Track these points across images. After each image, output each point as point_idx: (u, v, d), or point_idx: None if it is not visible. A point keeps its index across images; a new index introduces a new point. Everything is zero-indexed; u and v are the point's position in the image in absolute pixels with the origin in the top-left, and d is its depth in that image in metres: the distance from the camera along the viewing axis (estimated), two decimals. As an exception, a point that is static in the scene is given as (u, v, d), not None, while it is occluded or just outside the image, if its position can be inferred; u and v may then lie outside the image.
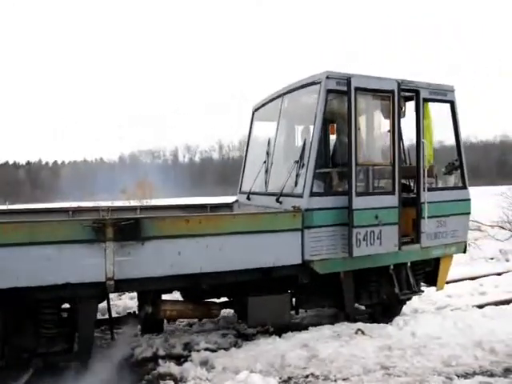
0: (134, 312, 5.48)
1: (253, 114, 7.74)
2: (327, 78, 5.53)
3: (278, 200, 5.81)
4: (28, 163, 63.54)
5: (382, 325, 5.87)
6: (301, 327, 5.88)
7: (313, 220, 5.32)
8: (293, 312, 6.06)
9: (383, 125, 6.01)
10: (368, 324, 5.86)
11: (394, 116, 5.69)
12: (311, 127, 5.79)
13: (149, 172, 38.07)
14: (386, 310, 6.41)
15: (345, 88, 5.44)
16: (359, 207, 5.38)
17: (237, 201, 7.66)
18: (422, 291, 6.53)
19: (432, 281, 6.69)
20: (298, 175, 5.67)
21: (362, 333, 5.52)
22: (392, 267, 5.99)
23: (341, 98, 5.82)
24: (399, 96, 5.73)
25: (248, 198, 6.96)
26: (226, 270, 5.01)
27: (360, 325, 5.73)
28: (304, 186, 5.43)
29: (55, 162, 64.41)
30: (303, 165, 5.62)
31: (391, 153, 5.70)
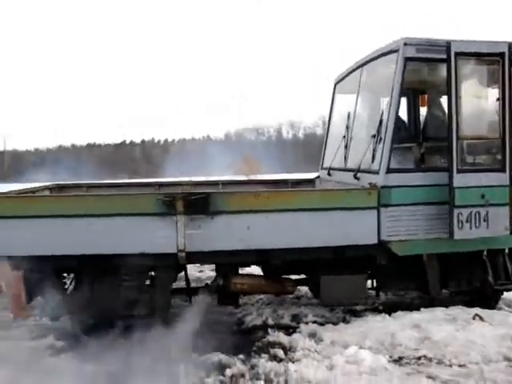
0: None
1: (334, 87, 7.51)
2: (405, 44, 5.11)
3: (355, 176, 5.62)
4: (143, 141, 68.82)
5: (504, 312, 5.44)
6: (412, 307, 5.70)
7: (391, 198, 5.02)
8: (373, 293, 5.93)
9: (491, 93, 5.45)
10: (487, 310, 5.47)
11: (505, 82, 5.12)
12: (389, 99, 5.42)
13: (254, 148, 39.07)
14: (482, 301, 5.74)
15: (427, 55, 5.12)
16: (461, 185, 4.97)
17: (318, 176, 7.58)
18: None
19: None
20: (375, 150, 5.38)
21: (481, 319, 5.15)
22: (485, 253, 5.44)
23: (428, 65, 5.45)
24: (510, 60, 5.12)
25: (329, 174, 6.86)
26: (295, 246, 4.94)
27: (478, 310, 5.36)
28: (381, 162, 5.14)
29: (166, 140, 68.88)
30: (380, 139, 5.31)
31: (501, 124, 5.14)
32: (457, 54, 5.01)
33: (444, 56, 5.03)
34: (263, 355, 4.69)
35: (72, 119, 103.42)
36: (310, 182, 7.76)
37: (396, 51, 5.23)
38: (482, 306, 5.47)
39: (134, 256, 4.68)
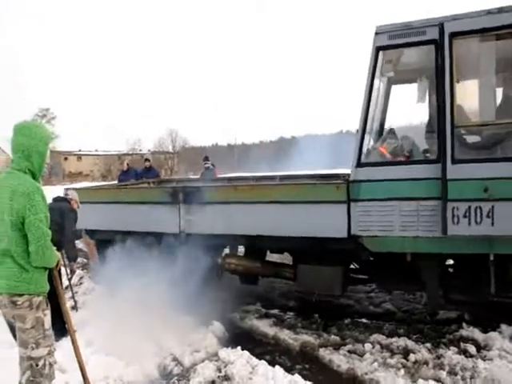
0: None
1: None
2: (376, 34, 4.71)
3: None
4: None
5: None
6: None
7: (360, 192, 4.80)
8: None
9: (501, 72, 4.66)
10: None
11: None
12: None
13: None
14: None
15: (402, 40, 4.60)
16: (457, 177, 4.36)
17: None
18: None
19: None
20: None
21: None
22: (492, 258, 4.44)
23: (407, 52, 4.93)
24: None
25: None
26: (271, 235, 5.29)
27: None
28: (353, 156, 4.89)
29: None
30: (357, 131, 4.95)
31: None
32: (452, 35, 4.40)
33: (423, 38, 4.54)
34: (452, 348, 4.59)
35: (291, 112, 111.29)
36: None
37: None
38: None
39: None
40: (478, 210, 4.34)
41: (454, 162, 4.43)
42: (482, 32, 4.40)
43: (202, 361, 4.46)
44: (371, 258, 5.24)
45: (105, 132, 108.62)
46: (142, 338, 4.76)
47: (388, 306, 6.08)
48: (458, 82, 4.56)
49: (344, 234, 4.92)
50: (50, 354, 3.01)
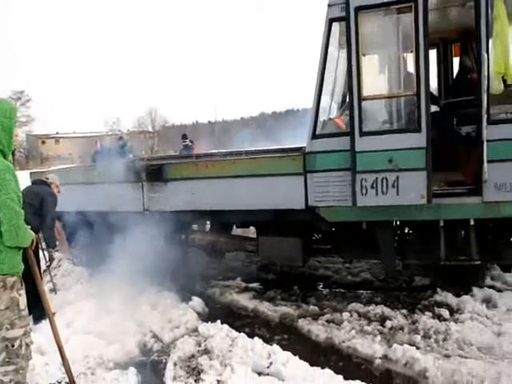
0: None
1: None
2: (328, 6, 4.69)
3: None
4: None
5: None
6: None
7: (315, 164, 4.85)
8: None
9: (403, 45, 4.68)
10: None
11: (419, 31, 4.29)
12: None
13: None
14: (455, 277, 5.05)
15: (339, 14, 4.57)
16: (364, 149, 4.51)
17: None
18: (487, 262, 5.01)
19: None
20: None
21: None
22: (442, 224, 4.59)
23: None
24: (426, 3, 4.26)
25: None
26: (232, 209, 5.33)
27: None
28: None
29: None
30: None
31: (416, 80, 4.37)
32: (358, 9, 4.46)
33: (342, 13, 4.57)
34: (427, 313, 4.71)
35: (272, 87, 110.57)
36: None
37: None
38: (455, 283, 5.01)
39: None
40: (384, 181, 4.49)
41: (362, 134, 4.55)
42: (385, 6, 4.48)
43: (182, 336, 4.50)
44: (332, 229, 5.34)
45: (83, 114, 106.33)
46: (121, 317, 4.78)
47: (366, 275, 6.19)
48: (364, 55, 4.66)
49: (302, 206, 4.99)
50: (26, 334, 2.99)
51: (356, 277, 6.17)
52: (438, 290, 5.21)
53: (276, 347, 3.98)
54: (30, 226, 3.07)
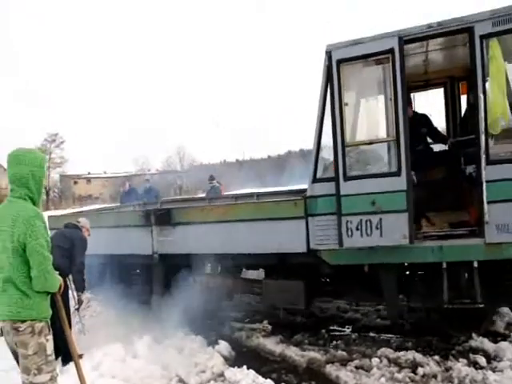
0: None
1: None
2: (326, 53, 4.80)
3: None
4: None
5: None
6: None
7: (316, 208, 4.95)
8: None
9: (382, 93, 4.98)
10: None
11: (396, 80, 4.51)
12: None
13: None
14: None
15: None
16: (348, 193, 4.68)
17: None
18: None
19: None
20: None
21: None
22: (445, 266, 4.53)
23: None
24: (402, 53, 4.50)
25: None
26: (236, 252, 5.42)
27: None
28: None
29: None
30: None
31: (394, 125, 4.55)
32: (340, 61, 4.71)
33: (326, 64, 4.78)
34: (461, 360, 4.51)
35: (299, 125, 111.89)
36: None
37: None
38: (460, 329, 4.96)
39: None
40: (368, 223, 4.60)
41: (346, 178, 4.71)
42: (365, 58, 4.71)
43: (208, 381, 4.45)
44: (336, 271, 5.29)
45: (114, 154, 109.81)
46: (147, 361, 4.77)
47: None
48: (346, 104, 4.81)
49: (304, 249, 5.06)
50: (53, 379, 3.01)
51: (386, 320, 5.99)
52: (474, 335, 5.02)
53: (303, 394, 3.88)
54: (58, 272, 3.16)
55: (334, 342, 5.36)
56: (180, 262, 5.89)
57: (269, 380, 4.23)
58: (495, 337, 5.01)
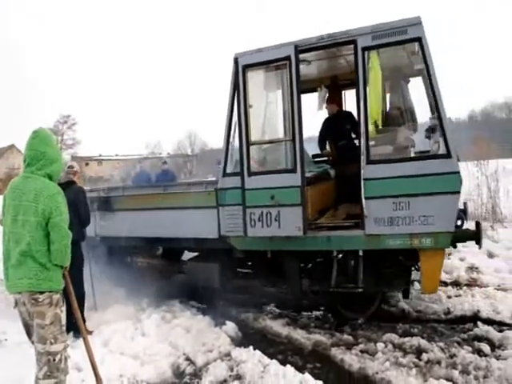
0: None
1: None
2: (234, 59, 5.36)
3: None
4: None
5: None
6: None
7: (225, 199, 5.53)
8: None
9: (282, 96, 5.82)
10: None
11: (293, 84, 5.02)
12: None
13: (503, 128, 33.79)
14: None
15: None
16: (252, 187, 5.24)
17: None
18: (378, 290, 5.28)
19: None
20: None
21: None
22: (335, 254, 5.19)
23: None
24: (297, 61, 5.03)
25: None
26: (164, 236, 6.08)
27: None
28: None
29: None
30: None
31: (290, 126, 5.08)
32: (245, 67, 5.25)
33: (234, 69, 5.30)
34: (466, 347, 4.54)
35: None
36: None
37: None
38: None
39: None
40: (269, 215, 5.13)
41: (250, 174, 5.25)
42: (266, 64, 5.23)
43: (215, 360, 4.53)
44: (247, 257, 5.85)
45: (125, 136, 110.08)
46: (156, 339, 4.88)
47: (404, 305, 6.03)
48: (250, 106, 5.28)
49: (216, 235, 5.65)
50: (65, 348, 3.16)
51: (393, 307, 6.03)
52: (479, 323, 5.04)
53: (308, 376, 3.95)
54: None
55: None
56: (118, 244, 6.72)
57: (274, 360, 4.30)
58: (499, 325, 5.04)
